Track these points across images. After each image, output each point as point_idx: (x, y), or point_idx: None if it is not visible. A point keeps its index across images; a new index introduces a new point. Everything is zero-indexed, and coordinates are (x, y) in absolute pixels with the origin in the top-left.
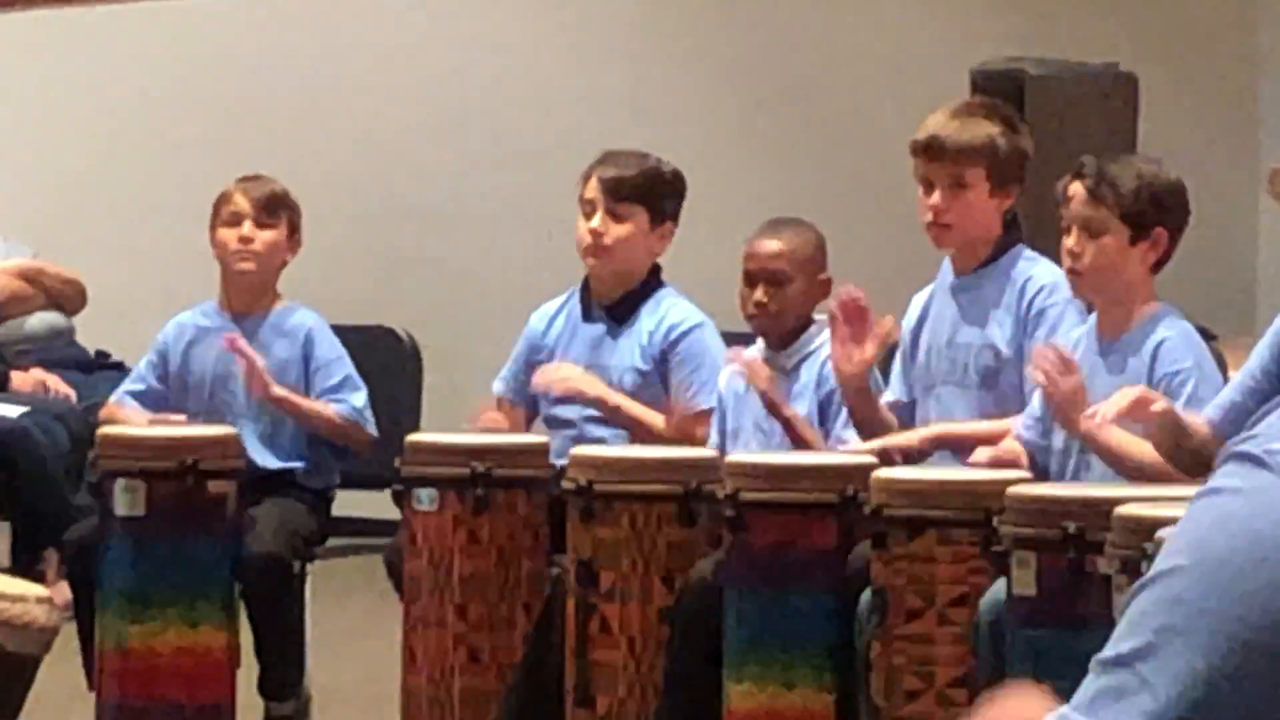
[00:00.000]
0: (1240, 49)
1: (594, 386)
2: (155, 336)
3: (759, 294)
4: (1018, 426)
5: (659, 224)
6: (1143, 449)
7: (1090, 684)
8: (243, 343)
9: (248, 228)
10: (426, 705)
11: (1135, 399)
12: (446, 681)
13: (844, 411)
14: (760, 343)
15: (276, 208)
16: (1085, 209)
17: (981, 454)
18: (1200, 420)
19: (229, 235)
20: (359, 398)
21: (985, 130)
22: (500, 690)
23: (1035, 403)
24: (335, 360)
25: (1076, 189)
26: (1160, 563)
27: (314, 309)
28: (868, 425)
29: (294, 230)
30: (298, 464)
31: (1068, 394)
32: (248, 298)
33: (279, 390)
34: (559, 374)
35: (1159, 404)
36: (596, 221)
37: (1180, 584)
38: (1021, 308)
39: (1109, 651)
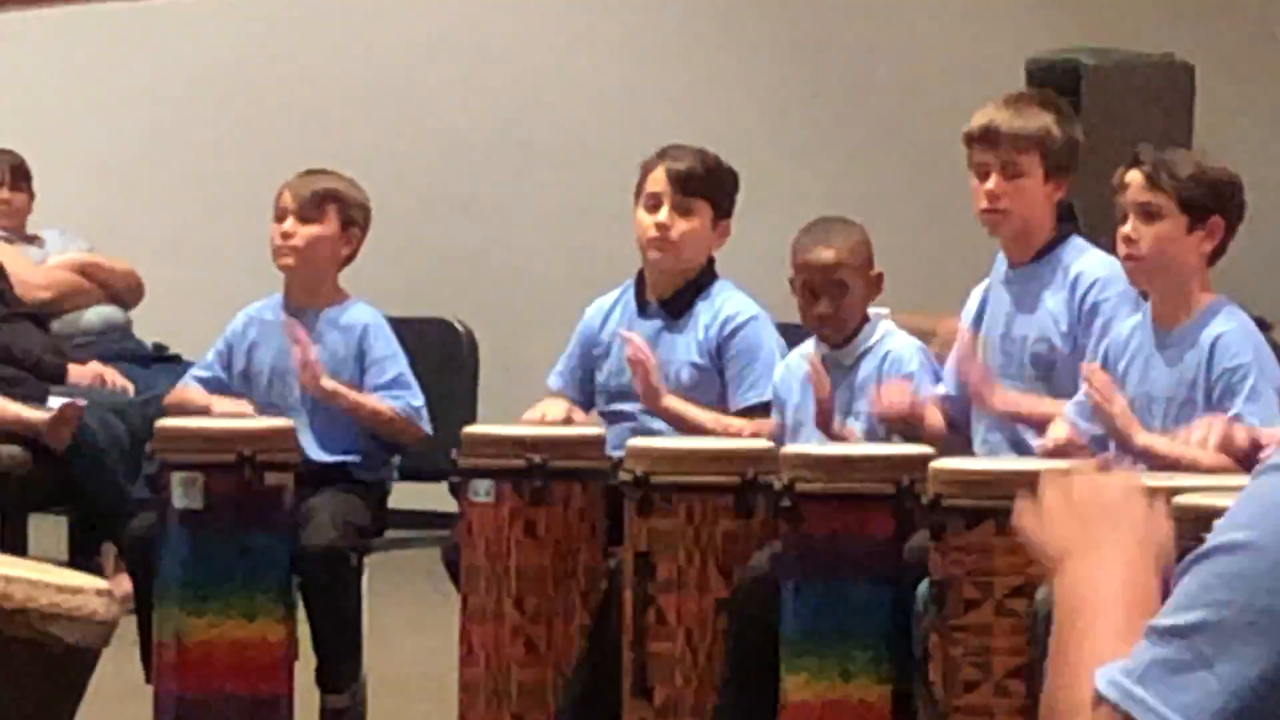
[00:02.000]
0: None
1: (653, 392)
2: (216, 328)
3: (823, 306)
4: (1069, 410)
5: (721, 220)
6: (1197, 457)
7: (1144, 652)
8: (301, 332)
9: (289, 224)
10: (484, 697)
11: (1222, 434)
12: (504, 673)
13: None
14: (814, 340)
15: (322, 203)
16: (1143, 194)
17: (1048, 439)
18: None
19: (274, 231)
20: (414, 396)
21: (1040, 119)
22: (558, 682)
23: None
24: (389, 358)
25: (1134, 176)
26: (1220, 535)
27: (373, 305)
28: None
29: (348, 224)
30: (352, 458)
31: (1119, 414)
32: (304, 292)
33: (329, 383)
34: (644, 354)
35: (1240, 436)
36: (664, 215)
37: (1243, 560)
38: (1075, 301)
39: (1165, 620)
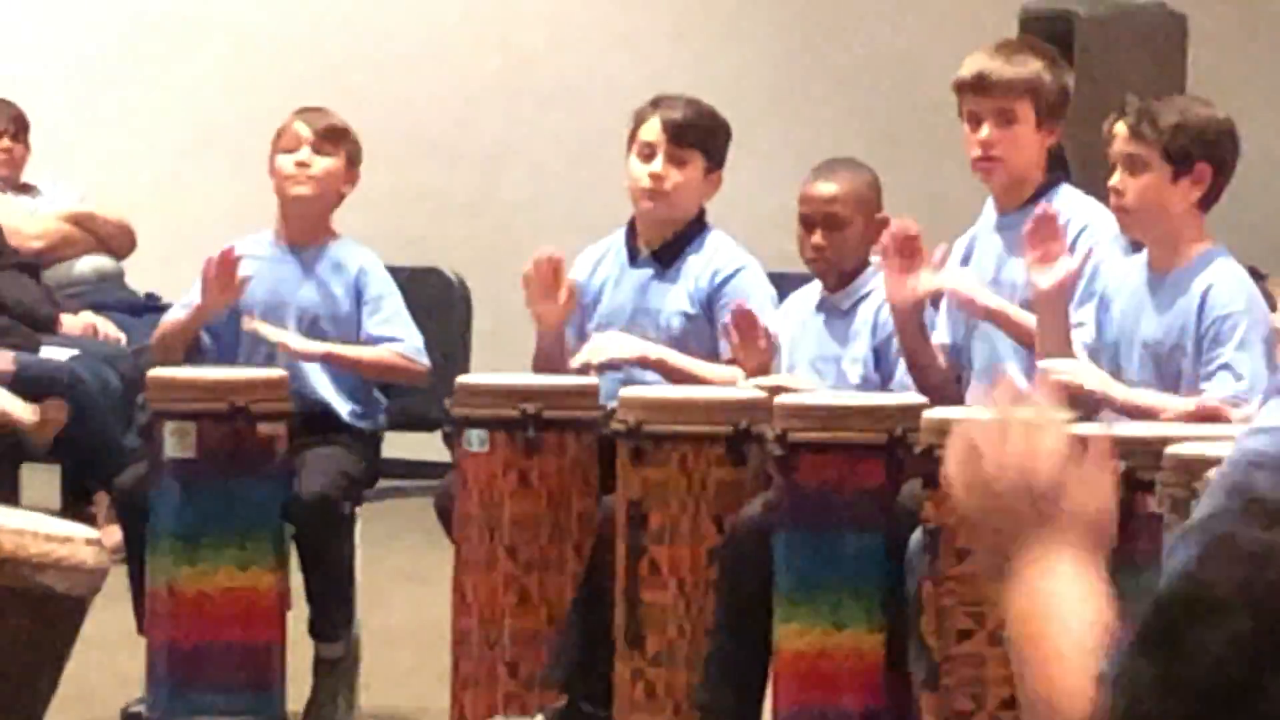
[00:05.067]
0: None
1: (633, 347)
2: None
3: (817, 238)
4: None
5: (713, 170)
6: (1179, 408)
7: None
8: (263, 328)
9: (305, 153)
10: (477, 647)
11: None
12: (497, 623)
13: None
14: (817, 284)
15: (337, 138)
16: (1127, 146)
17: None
18: None
19: (286, 161)
20: (412, 334)
21: (1031, 65)
22: (550, 631)
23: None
24: (385, 296)
25: (1120, 128)
26: (1209, 503)
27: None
28: (918, 359)
29: (352, 163)
30: (348, 400)
31: (1094, 389)
32: (304, 229)
33: (320, 348)
34: (598, 348)
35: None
36: (658, 165)
37: None
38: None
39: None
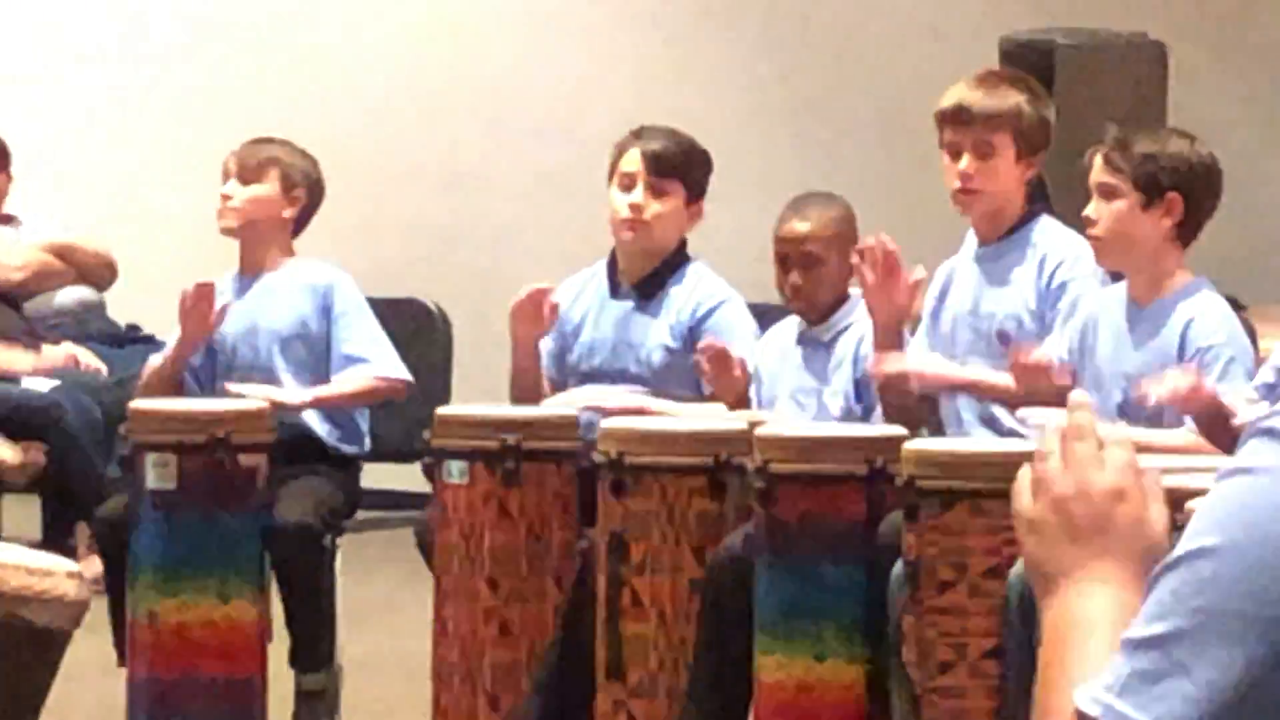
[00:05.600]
0: (1270, 15)
1: (615, 400)
2: None
3: (794, 278)
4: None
5: (694, 201)
6: (1161, 441)
7: (1122, 665)
8: (246, 389)
9: (229, 186)
10: (457, 678)
11: (1189, 390)
12: (477, 654)
13: None
14: (795, 319)
15: (263, 166)
16: (1100, 175)
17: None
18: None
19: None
20: (381, 350)
21: (1012, 98)
22: (531, 663)
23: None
24: (354, 313)
25: (1097, 158)
26: (1188, 542)
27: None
28: (891, 381)
29: (290, 186)
30: (330, 424)
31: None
32: (256, 258)
33: (304, 399)
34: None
35: (1204, 390)
36: (638, 196)
37: (1212, 565)
38: (1042, 280)
39: (1139, 632)
